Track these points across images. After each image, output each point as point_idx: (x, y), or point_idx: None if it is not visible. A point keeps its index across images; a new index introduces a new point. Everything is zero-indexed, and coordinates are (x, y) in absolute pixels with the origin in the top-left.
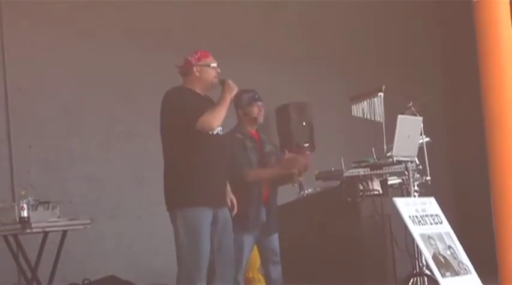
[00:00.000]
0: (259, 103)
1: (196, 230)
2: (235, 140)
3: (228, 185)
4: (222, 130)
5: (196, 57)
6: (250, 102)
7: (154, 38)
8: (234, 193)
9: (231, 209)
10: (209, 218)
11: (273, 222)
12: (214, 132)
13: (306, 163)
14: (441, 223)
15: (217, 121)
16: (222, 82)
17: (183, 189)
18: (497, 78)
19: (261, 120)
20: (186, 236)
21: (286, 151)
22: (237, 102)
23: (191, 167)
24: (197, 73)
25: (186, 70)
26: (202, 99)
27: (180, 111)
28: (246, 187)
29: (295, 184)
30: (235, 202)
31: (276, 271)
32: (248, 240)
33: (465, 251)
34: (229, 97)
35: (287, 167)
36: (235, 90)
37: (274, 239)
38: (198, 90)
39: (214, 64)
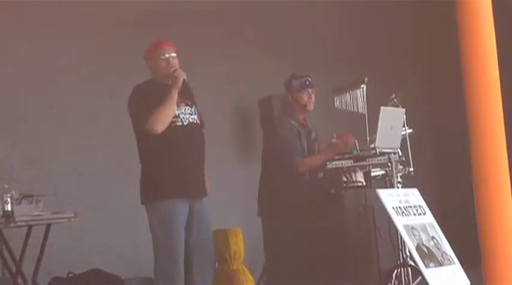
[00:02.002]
0: (310, 89)
1: (169, 223)
2: (290, 127)
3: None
4: (198, 119)
5: (148, 50)
6: (300, 89)
7: (137, 31)
8: (285, 181)
9: None
10: (183, 210)
11: None
12: (185, 123)
13: (353, 143)
14: (424, 213)
15: (160, 124)
16: (171, 74)
17: (156, 182)
18: (479, 70)
19: (311, 107)
20: (160, 229)
21: (334, 135)
22: (287, 87)
23: (163, 160)
24: (151, 67)
25: (147, 64)
26: (165, 91)
27: (136, 113)
28: (300, 176)
29: None
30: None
31: None
32: None
33: (448, 241)
34: (174, 92)
35: (340, 149)
36: (180, 81)
37: None
38: (163, 81)
39: (165, 55)
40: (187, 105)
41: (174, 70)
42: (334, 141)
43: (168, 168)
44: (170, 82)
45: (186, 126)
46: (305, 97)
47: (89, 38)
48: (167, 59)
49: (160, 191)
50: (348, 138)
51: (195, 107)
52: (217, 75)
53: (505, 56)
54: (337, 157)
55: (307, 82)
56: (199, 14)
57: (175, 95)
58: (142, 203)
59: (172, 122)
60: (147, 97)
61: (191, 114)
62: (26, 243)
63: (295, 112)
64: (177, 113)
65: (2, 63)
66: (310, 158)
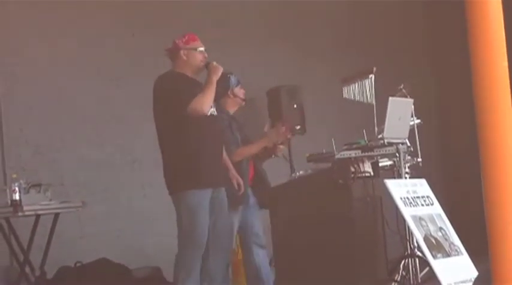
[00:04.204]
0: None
1: (195, 212)
2: (221, 120)
3: (231, 166)
4: (215, 110)
5: (184, 40)
6: (238, 83)
7: (145, 21)
8: None
9: (237, 189)
10: (208, 199)
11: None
12: (208, 113)
13: (286, 133)
14: (432, 204)
15: (207, 105)
16: (207, 65)
17: (183, 172)
18: (488, 60)
19: (244, 102)
20: (186, 218)
21: (267, 125)
22: (224, 83)
23: (189, 150)
24: (184, 57)
25: (173, 53)
26: (193, 82)
27: (172, 97)
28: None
29: (279, 155)
30: (241, 182)
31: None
32: (236, 219)
33: (456, 232)
34: (215, 79)
35: (272, 139)
36: (220, 71)
37: (258, 222)
38: (188, 74)
39: (201, 48)
40: None
41: (211, 62)
42: (265, 130)
43: (197, 158)
44: (195, 73)
45: (209, 116)
46: (242, 91)
47: (96, 26)
48: (203, 53)
49: (189, 180)
50: (280, 128)
51: None
52: (225, 64)
53: None
54: (344, 147)
55: (237, 78)
56: (205, 4)
57: (215, 81)
58: (170, 193)
59: None
60: (180, 85)
61: (211, 107)
62: (34, 233)
63: (226, 107)
64: None
65: (10, 53)
66: (244, 148)
